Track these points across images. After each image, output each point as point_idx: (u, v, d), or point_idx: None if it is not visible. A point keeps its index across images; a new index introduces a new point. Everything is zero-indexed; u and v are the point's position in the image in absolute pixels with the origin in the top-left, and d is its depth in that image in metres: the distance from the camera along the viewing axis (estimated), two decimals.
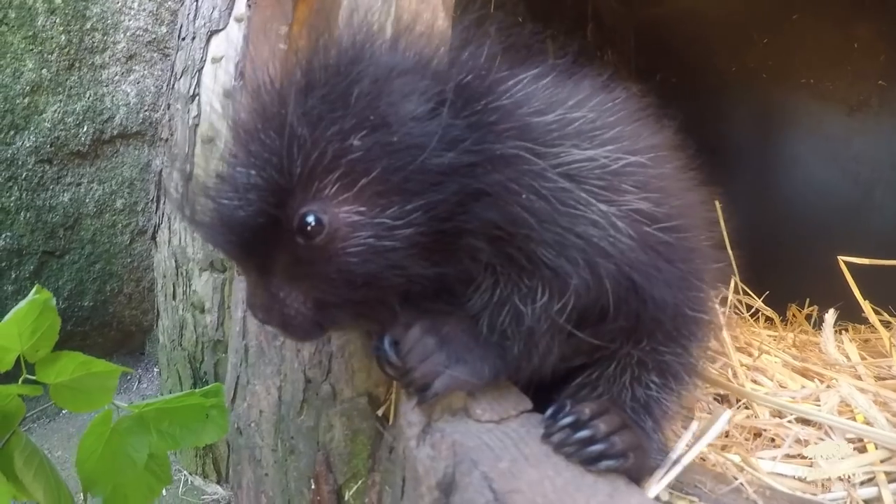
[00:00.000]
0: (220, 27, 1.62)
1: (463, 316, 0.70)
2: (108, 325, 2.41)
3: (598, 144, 0.67)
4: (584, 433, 0.63)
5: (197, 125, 1.65)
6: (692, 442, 0.78)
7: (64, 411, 2.15)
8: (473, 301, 0.70)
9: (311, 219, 0.62)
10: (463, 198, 0.64)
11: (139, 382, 2.42)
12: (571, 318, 0.69)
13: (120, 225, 2.40)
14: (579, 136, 0.67)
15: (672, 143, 0.81)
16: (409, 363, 0.66)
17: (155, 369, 2.42)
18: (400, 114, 0.63)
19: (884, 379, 1.31)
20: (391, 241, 0.63)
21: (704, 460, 0.94)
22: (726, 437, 1.08)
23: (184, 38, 1.78)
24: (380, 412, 0.82)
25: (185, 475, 1.81)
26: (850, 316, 1.73)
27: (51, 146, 2.21)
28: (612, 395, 0.79)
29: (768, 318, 2.01)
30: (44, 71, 2.18)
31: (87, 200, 2.32)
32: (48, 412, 2.18)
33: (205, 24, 1.68)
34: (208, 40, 1.65)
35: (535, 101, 0.69)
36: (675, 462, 0.75)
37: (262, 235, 0.64)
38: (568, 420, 0.65)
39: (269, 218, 0.63)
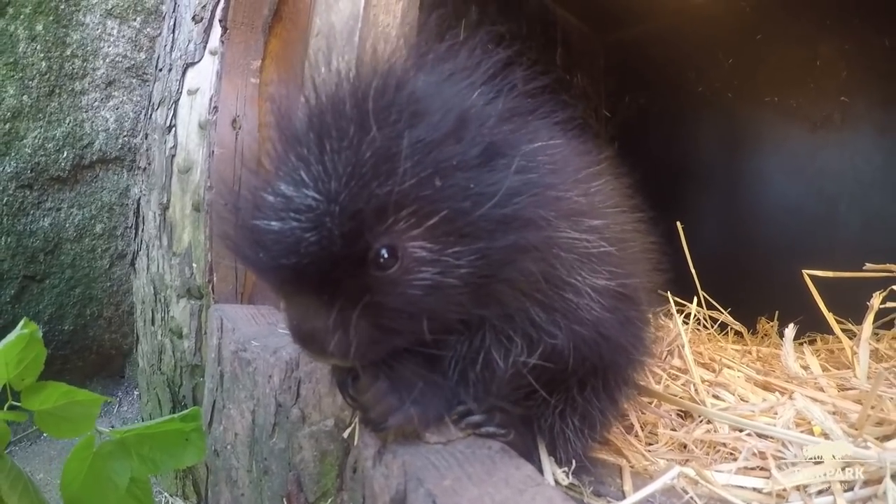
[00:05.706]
0: (196, 60, 1.66)
1: (413, 360, 0.73)
2: (88, 348, 2.41)
3: (584, 229, 0.75)
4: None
5: (174, 155, 1.68)
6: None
7: (45, 435, 2.16)
8: (448, 346, 0.74)
9: (386, 252, 0.63)
10: (512, 250, 0.68)
11: (119, 406, 2.42)
12: (535, 369, 0.75)
13: (99, 249, 2.41)
14: (574, 215, 0.74)
15: (630, 203, 0.92)
16: (365, 405, 0.71)
17: (135, 392, 2.43)
18: (469, 159, 0.65)
19: (846, 389, 1.34)
20: (452, 279, 0.65)
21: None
22: (686, 450, 1.11)
23: (161, 69, 1.82)
24: (345, 434, 0.86)
25: (165, 497, 1.83)
26: (818, 327, 1.77)
27: (31, 172, 2.23)
28: (533, 412, 0.87)
29: (737, 332, 2.06)
30: (24, 97, 2.21)
31: (67, 225, 2.34)
32: (30, 436, 2.19)
33: (181, 56, 1.72)
34: (184, 72, 1.69)
35: (548, 167, 0.73)
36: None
37: (327, 261, 0.62)
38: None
39: (338, 245, 0.62)
